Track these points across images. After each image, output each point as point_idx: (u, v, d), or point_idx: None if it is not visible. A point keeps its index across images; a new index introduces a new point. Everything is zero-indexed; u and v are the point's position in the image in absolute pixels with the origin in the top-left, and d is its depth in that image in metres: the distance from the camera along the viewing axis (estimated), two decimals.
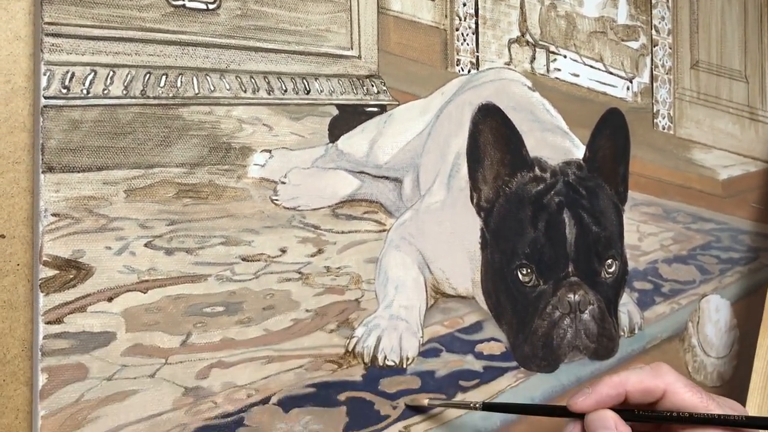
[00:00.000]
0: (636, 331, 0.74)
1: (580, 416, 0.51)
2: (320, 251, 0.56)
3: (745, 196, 0.86)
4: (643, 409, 0.51)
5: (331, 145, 0.57)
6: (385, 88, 0.59)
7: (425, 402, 0.58)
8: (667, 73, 0.79)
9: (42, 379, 0.45)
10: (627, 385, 0.49)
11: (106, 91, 0.48)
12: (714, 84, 0.83)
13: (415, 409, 0.59)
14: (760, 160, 0.88)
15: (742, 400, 0.76)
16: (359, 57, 0.59)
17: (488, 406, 0.57)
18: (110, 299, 0.48)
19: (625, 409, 0.50)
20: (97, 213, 0.48)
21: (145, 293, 0.49)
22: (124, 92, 0.49)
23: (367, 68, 0.59)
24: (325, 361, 0.55)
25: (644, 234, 0.76)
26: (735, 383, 0.83)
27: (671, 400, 0.49)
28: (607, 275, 0.68)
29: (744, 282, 0.84)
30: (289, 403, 0.54)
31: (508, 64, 0.67)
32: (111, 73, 0.48)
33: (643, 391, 0.49)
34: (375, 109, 0.59)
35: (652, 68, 0.78)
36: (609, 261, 0.68)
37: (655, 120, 0.77)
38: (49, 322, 0.46)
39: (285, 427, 0.53)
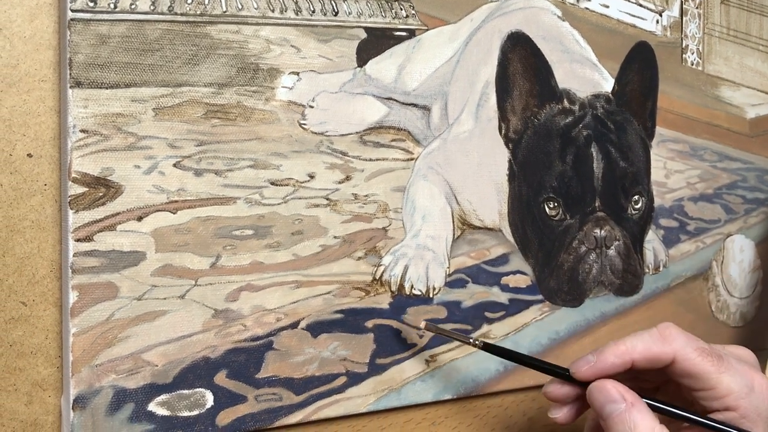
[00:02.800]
0: (661, 269, 0.73)
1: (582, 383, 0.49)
2: (348, 178, 0.55)
3: None
4: (652, 373, 0.49)
5: (359, 69, 0.56)
6: (413, 11, 0.58)
7: (422, 324, 0.56)
8: (697, 7, 0.77)
9: (73, 296, 0.45)
10: (633, 353, 0.47)
11: (133, 6, 0.47)
12: (744, 20, 0.81)
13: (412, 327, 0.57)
14: None
15: (764, 340, 0.76)
16: None
17: (488, 347, 0.54)
18: (140, 218, 0.47)
19: (632, 378, 0.49)
20: (125, 131, 0.47)
21: (174, 214, 0.48)
22: (152, 8, 0.48)
23: None
24: (352, 288, 0.55)
25: (671, 171, 0.75)
26: (757, 324, 0.82)
27: (681, 366, 0.47)
28: (633, 211, 0.67)
29: None
30: (317, 328, 0.53)
31: None
32: None
33: (651, 359, 0.47)
34: (403, 34, 0.58)
35: (682, 1, 0.76)
36: (635, 197, 0.67)
37: (683, 55, 0.76)
38: (79, 240, 0.45)
39: (313, 352, 0.53)
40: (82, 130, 0.45)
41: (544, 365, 0.51)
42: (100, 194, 0.46)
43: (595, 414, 0.48)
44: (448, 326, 0.59)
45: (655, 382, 0.51)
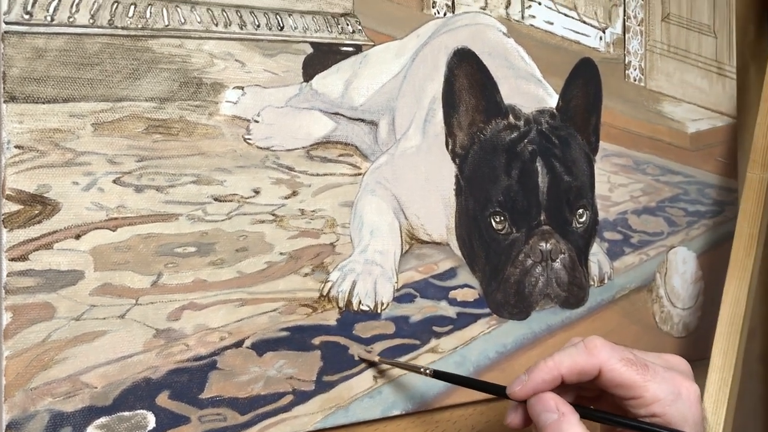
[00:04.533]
0: (606, 281, 0.74)
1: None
2: (294, 193, 0.55)
3: (712, 150, 0.87)
4: (584, 386, 0.50)
5: (305, 84, 0.56)
6: (360, 27, 0.58)
7: (376, 358, 0.58)
8: (639, 25, 0.79)
9: (6, 317, 0.44)
10: (561, 368, 0.48)
11: (71, 19, 0.46)
12: (684, 37, 0.83)
13: (365, 362, 0.58)
14: (726, 115, 0.88)
15: (706, 349, 0.77)
16: None
17: (439, 374, 0.55)
18: (78, 237, 0.46)
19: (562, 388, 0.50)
20: (63, 146, 0.46)
21: (114, 231, 0.47)
22: (91, 21, 0.46)
23: (342, 6, 0.57)
24: (299, 305, 0.54)
25: (615, 185, 0.76)
26: (699, 333, 0.84)
27: (608, 377, 0.48)
28: (578, 225, 0.68)
29: (710, 235, 0.86)
30: (262, 347, 0.53)
31: (484, 9, 0.66)
32: (77, 0, 0.46)
33: (579, 372, 0.48)
34: (350, 49, 0.58)
35: (624, 19, 0.77)
36: (580, 210, 0.68)
37: (626, 71, 0.77)
38: (13, 259, 0.44)
39: (259, 371, 0.52)
40: (17, 146, 0.44)
41: (493, 389, 0.53)
42: (36, 212, 0.45)
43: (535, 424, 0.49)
44: (396, 341, 0.59)
45: (596, 392, 0.52)
